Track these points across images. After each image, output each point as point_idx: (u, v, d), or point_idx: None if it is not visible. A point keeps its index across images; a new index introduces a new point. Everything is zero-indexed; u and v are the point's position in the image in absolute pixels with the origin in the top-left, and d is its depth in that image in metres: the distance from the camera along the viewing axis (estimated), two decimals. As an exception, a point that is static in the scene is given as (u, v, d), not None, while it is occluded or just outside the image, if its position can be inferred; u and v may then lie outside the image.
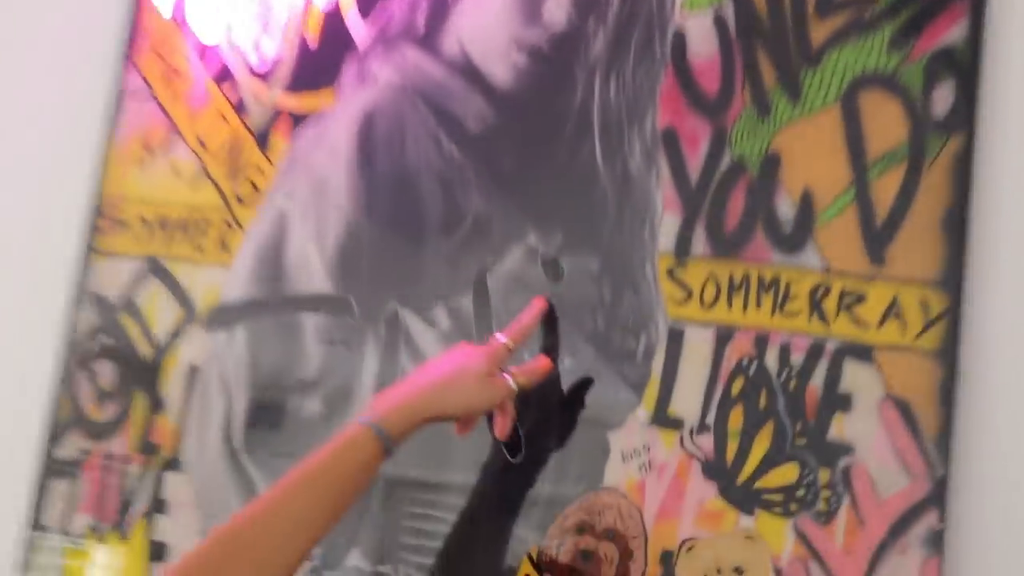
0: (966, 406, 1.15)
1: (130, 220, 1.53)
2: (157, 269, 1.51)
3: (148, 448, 1.45)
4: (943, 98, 1.21)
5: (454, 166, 1.39)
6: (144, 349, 1.49)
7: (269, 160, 1.49)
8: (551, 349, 1.17)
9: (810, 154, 1.25)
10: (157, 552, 1.42)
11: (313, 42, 1.50)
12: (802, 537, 1.16)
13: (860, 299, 1.20)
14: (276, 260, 1.45)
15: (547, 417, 1.21)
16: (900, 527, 1.13)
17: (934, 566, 1.11)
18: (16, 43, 1.67)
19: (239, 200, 1.49)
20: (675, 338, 1.25)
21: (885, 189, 1.22)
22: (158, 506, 1.43)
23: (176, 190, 1.52)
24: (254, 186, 1.49)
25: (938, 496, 1.13)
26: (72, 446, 1.49)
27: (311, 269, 1.43)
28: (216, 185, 1.51)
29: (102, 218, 1.55)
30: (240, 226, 1.48)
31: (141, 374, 1.48)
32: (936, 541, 1.12)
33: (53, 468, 1.49)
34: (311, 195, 1.45)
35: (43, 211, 1.60)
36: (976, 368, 1.16)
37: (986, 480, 1.14)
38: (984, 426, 1.14)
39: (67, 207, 1.57)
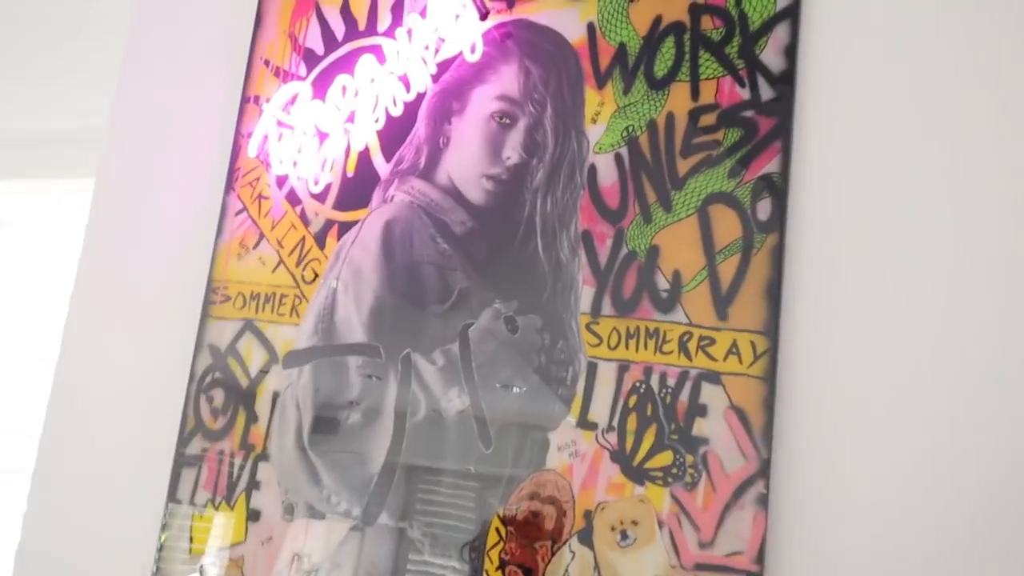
0: (781, 411, 1.17)
1: (232, 295, 1.52)
2: (251, 328, 1.50)
3: (247, 446, 1.45)
4: (764, 209, 1.22)
5: (446, 257, 1.38)
6: (243, 381, 1.48)
7: (324, 254, 1.47)
8: None
9: (678, 247, 1.25)
10: (254, 515, 1.41)
11: (352, 174, 1.49)
12: (676, 500, 1.18)
13: (711, 342, 1.21)
14: (329, 321, 1.43)
15: None
16: (739, 492, 1.15)
17: (762, 518, 1.13)
18: (159, 180, 1.66)
19: (304, 281, 1.48)
20: (591, 370, 1.26)
21: (727, 269, 1.22)
22: (254, 485, 1.43)
23: (263, 275, 1.51)
24: (314, 272, 1.47)
25: (764, 471, 1.15)
26: (196, 446, 1.48)
27: (352, 326, 1.41)
28: (289, 271, 1.50)
29: (214, 294, 1.54)
30: (306, 299, 1.47)
31: (242, 397, 1.47)
32: (763, 501, 1.14)
33: (183, 461, 1.49)
34: (352, 278, 1.44)
35: (177, 291, 1.58)
36: (786, 387, 1.17)
37: (794, 461, 1.15)
38: (792, 426, 1.16)
39: (193, 288, 1.56)
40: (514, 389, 1.29)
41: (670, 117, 1.30)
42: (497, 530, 1.26)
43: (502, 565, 1.24)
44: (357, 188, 1.49)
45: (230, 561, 1.42)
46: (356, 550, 1.33)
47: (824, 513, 1.13)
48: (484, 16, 1.45)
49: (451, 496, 1.29)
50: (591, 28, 1.37)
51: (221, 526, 1.44)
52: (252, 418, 1.47)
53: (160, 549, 1.47)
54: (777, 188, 1.22)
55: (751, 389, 1.18)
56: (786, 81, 1.25)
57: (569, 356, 1.28)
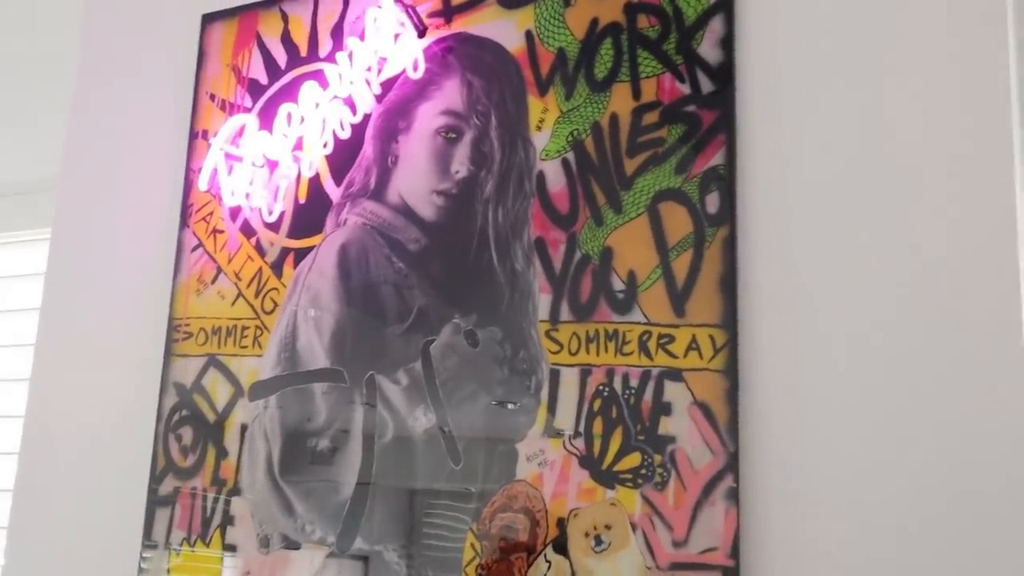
0: (745, 405, 1.17)
1: (194, 331, 1.53)
2: (215, 362, 1.50)
3: (218, 481, 1.46)
4: (713, 202, 1.22)
5: (402, 275, 1.39)
6: (211, 416, 1.49)
7: (282, 283, 1.49)
8: None
9: (631, 247, 1.26)
10: (230, 550, 1.42)
11: (304, 200, 1.51)
12: (647, 500, 1.18)
13: (671, 339, 1.21)
14: (292, 349, 1.45)
15: None
16: (709, 488, 1.15)
17: (733, 513, 1.13)
18: (114, 222, 1.68)
19: (264, 311, 1.49)
20: (554, 376, 1.26)
21: (681, 266, 1.22)
22: (228, 520, 1.43)
23: (223, 308, 1.52)
24: (273, 301, 1.49)
25: (732, 466, 1.14)
26: (168, 485, 1.49)
27: (315, 353, 1.43)
28: (249, 303, 1.51)
29: (176, 332, 1.55)
30: (267, 329, 1.48)
31: (210, 433, 1.48)
32: (733, 495, 1.14)
33: (157, 501, 1.49)
34: (310, 303, 1.45)
35: (139, 331, 1.60)
36: (749, 379, 1.17)
37: (761, 453, 1.15)
38: (758, 417, 1.16)
39: (154, 327, 1.57)
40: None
41: (614, 118, 1.31)
42: (472, 545, 1.27)
43: (479, 580, 1.27)
44: (310, 214, 1.51)
45: (210, 598, 1.45)
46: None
47: (795, 503, 1.13)
48: (422, 33, 1.47)
49: (425, 515, 1.30)
50: (529, 36, 1.39)
51: (196, 565, 1.44)
52: (222, 453, 1.48)
53: (139, 592, 1.50)
54: (724, 180, 1.23)
55: (713, 383, 1.18)
56: (725, 73, 1.25)
57: (531, 365, 1.29)
